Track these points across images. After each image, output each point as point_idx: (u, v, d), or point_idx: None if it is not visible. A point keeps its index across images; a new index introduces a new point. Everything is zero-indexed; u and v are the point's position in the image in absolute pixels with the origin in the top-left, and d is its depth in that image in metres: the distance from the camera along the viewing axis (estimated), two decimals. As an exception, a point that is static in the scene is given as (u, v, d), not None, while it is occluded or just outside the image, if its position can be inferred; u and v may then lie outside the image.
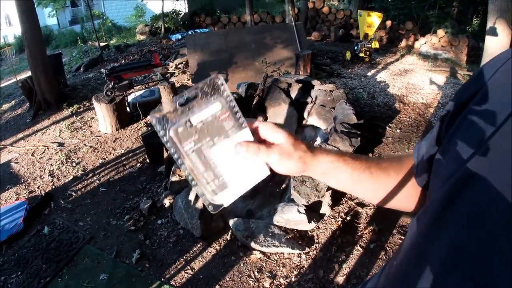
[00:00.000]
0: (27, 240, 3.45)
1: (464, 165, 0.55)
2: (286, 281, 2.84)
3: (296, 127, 5.03)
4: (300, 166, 0.71)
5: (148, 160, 4.60)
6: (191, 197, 3.26)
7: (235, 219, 3.24)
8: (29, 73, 7.01)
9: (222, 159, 0.63)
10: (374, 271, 2.89)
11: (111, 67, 5.82)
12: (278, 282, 2.84)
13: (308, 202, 3.25)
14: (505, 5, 5.73)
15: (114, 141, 5.23)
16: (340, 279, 2.84)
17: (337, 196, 3.57)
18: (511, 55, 0.59)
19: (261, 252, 3.06)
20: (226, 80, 7.05)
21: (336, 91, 4.96)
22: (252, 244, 3.06)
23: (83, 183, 4.32)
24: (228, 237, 3.25)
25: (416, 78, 7.46)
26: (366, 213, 3.44)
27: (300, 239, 3.17)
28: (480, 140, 0.54)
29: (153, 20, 13.90)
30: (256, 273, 2.91)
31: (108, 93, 5.40)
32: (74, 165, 4.68)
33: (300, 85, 5.21)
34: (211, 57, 7.33)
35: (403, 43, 10.86)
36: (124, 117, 5.64)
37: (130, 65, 6.32)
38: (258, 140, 0.69)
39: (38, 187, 4.32)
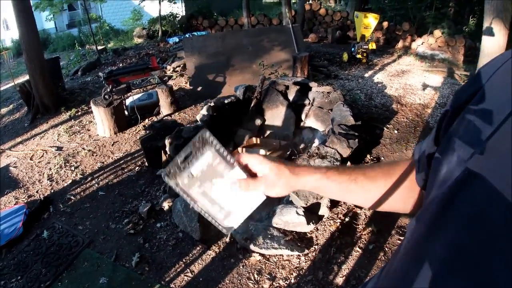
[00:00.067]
0: (27, 245, 3.45)
1: (464, 164, 0.55)
2: (286, 283, 2.85)
3: (294, 129, 5.05)
4: (286, 189, 0.83)
5: (146, 164, 4.60)
6: (190, 200, 3.26)
7: (234, 221, 3.24)
8: (27, 77, 7.02)
9: (223, 194, 0.79)
10: (373, 272, 2.90)
11: (109, 70, 5.84)
12: (277, 284, 2.84)
13: (306, 204, 3.26)
14: (501, 5, 5.75)
15: (112, 145, 5.23)
16: (339, 280, 2.85)
17: (336, 198, 3.57)
18: (510, 57, 0.60)
19: (260, 254, 3.07)
20: (224, 83, 7.07)
21: (334, 92, 4.97)
22: (251, 247, 3.06)
23: (82, 187, 4.32)
24: (227, 239, 3.26)
25: (413, 79, 7.48)
26: (365, 214, 3.45)
27: (299, 241, 3.18)
28: (479, 140, 0.55)
29: (151, 23, 13.93)
30: (256, 275, 2.91)
31: (106, 96, 5.40)
32: (73, 169, 4.68)
33: (298, 87, 5.23)
34: (209, 60, 7.35)
35: (400, 44, 10.88)
36: (122, 120, 5.65)
37: (128, 69, 6.33)
38: (250, 173, 0.82)
39: (37, 191, 4.32)
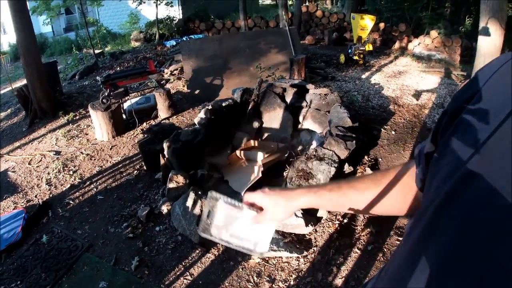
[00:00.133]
0: (26, 249, 3.45)
1: (464, 165, 0.55)
2: (285, 285, 2.86)
3: (291, 131, 5.06)
4: (286, 213, 0.99)
5: (145, 167, 4.61)
6: (189, 203, 3.27)
7: (233, 224, 3.24)
8: (24, 81, 7.01)
9: (245, 230, 1.00)
10: (372, 273, 2.91)
11: (106, 74, 5.84)
12: (277, 286, 2.85)
13: (305, 206, 3.26)
14: (497, 5, 5.78)
15: (110, 149, 5.24)
16: (338, 281, 2.86)
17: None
18: (507, 60, 0.61)
19: (260, 256, 3.08)
20: (222, 86, 7.08)
21: (331, 94, 4.99)
22: (251, 249, 3.07)
23: (80, 191, 4.32)
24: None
25: (410, 80, 7.51)
26: (363, 216, 3.46)
27: (298, 242, 3.19)
28: (478, 141, 0.55)
29: (148, 26, 13.93)
30: (255, 278, 2.92)
31: (104, 100, 5.41)
32: (71, 173, 4.68)
33: (295, 89, 5.24)
34: (206, 63, 7.36)
35: (396, 45, 10.92)
36: (120, 124, 5.65)
37: (125, 73, 6.34)
38: (257, 207, 1.02)
39: (35, 196, 4.32)
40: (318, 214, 3.41)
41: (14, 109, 7.55)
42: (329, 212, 3.45)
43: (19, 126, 6.60)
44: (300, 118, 5.15)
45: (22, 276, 3.14)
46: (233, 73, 7.30)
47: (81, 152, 5.20)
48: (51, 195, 4.30)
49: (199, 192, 3.38)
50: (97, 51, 11.22)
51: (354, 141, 3.83)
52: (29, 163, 5.09)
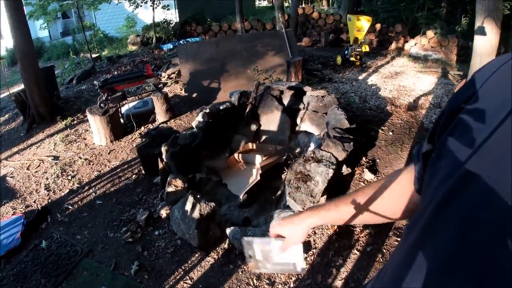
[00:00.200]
0: (25, 255, 3.45)
1: (462, 166, 0.56)
2: (285, 288, 2.87)
3: (289, 133, 5.07)
4: (303, 236, 1.14)
5: (143, 172, 4.61)
6: (188, 207, 3.28)
7: (232, 227, 3.26)
8: (22, 86, 6.99)
9: (281, 257, 1.18)
10: (372, 274, 2.92)
11: (103, 79, 5.84)
12: (276, 289, 2.86)
13: (303, 208, 3.28)
14: (493, 4, 5.78)
15: (109, 153, 5.24)
16: (338, 283, 2.87)
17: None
18: (505, 61, 0.61)
19: (259, 259, 3.08)
20: (219, 89, 7.09)
21: (328, 96, 5.01)
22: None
23: (79, 196, 4.32)
24: (226, 246, 3.27)
25: (407, 80, 7.53)
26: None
27: (297, 245, 3.19)
28: (477, 141, 0.55)
29: (145, 30, 13.94)
30: (255, 281, 2.93)
31: (102, 105, 5.41)
32: (70, 178, 4.68)
33: (292, 91, 5.26)
34: (203, 66, 7.37)
35: (393, 46, 10.96)
36: (118, 128, 5.65)
37: (123, 77, 6.33)
38: (281, 236, 1.18)
39: (34, 201, 4.32)
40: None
41: (11, 114, 7.54)
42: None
43: (17, 131, 6.59)
44: (298, 120, 5.17)
45: (22, 282, 3.14)
46: (230, 76, 7.31)
47: (80, 157, 5.20)
48: (50, 201, 4.29)
49: (198, 196, 3.39)
50: (94, 55, 11.21)
51: (351, 143, 3.84)
52: (28, 169, 5.09)
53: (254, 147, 4.76)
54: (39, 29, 12.69)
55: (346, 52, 8.76)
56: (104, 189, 4.39)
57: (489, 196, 0.51)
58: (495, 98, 0.58)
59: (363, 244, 3.20)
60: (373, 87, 7.01)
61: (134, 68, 9.48)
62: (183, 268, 3.12)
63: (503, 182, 0.50)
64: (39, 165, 5.14)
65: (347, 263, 3.04)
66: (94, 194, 4.33)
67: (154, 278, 3.05)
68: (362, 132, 4.83)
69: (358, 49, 8.55)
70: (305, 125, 5.06)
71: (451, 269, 0.54)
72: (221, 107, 4.96)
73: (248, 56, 7.58)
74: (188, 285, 2.97)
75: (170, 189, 3.73)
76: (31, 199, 4.38)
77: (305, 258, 3.09)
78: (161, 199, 3.94)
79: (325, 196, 3.40)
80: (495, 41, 5.93)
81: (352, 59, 8.59)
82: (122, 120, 5.92)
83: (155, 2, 12.78)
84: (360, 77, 7.86)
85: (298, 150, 4.75)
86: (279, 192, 4.01)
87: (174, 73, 8.30)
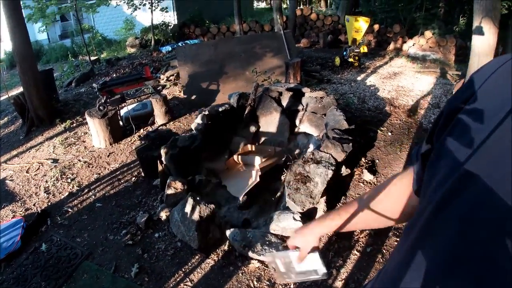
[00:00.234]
0: (25, 258, 3.44)
1: (461, 166, 0.56)
2: (285, 289, 2.87)
3: (288, 135, 5.08)
4: (314, 243, 1.20)
5: (143, 174, 4.61)
6: (187, 209, 3.28)
7: (232, 229, 3.26)
8: (20, 89, 7.00)
9: (301, 267, 1.23)
10: (372, 274, 2.92)
11: (102, 81, 5.84)
12: (276, 290, 2.86)
13: (303, 210, 3.28)
14: (490, 4, 5.79)
15: (108, 156, 5.24)
16: (338, 284, 2.87)
17: (332, 202, 3.61)
18: (507, 60, 0.61)
19: (259, 261, 3.08)
20: (218, 91, 7.09)
21: (327, 97, 5.01)
22: (250, 254, 3.08)
23: (79, 199, 4.32)
24: (226, 247, 3.27)
25: (406, 81, 7.54)
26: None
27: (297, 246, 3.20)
28: (476, 141, 0.55)
29: (143, 32, 13.94)
30: (255, 282, 2.93)
31: (101, 107, 5.41)
32: (69, 181, 4.68)
33: (291, 93, 5.27)
34: (202, 68, 7.38)
35: (391, 46, 10.98)
36: (117, 131, 5.65)
37: (122, 79, 6.34)
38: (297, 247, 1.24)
39: (34, 204, 4.32)
40: (317, 217, 3.42)
41: (11, 117, 7.54)
42: (327, 215, 3.46)
43: (16, 134, 6.59)
44: (297, 122, 5.17)
45: (22, 285, 3.13)
46: (229, 78, 7.32)
47: (79, 160, 5.20)
48: (49, 203, 4.29)
49: (198, 198, 3.39)
50: (93, 58, 11.22)
51: (350, 144, 3.85)
52: (27, 172, 5.09)
53: (253, 149, 4.77)
54: (38, 32, 12.72)
55: (344, 53, 8.78)
56: (103, 192, 4.39)
57: (489, 196, 0.51)
58: (494, 98, 0.58)
59: (363, 245, 3.20)
60: (371, 88, 7.02)
61: (133, 71, 9.49)
62: (183, 270, 3.12)
63: (503, 182, 0.50)
64: (38, 168, 5.14)
65: (347, 263, 3.04)
66: (93, 196, 4.33)
67: (155, 280, 3.05)
68: (361, 133, 4.84)
69: (356, 50, 8.57)
70: (304, 126, 5.06)
71: (451, 269, 0.54)
72: (220, 109, 4.97)
73: (247, 58, 7.59)
74: (189, 287, 2.97)
75: (169, 191, 3.73)
76: (31, 202, 4.38)
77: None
78: (161, 201, 3.94)
79: (324, 197, 3.41)
80: (493, 40, 5.94)
81: (351, 60, 8.61)
82: (121, 123, 5.93)
83: (153, 5, 12.80)
84: (359, 78, 7.88)
85: (297, 151, 4.76)
86: (278, 194, 4.01)
87: (173, 75, 8.31)
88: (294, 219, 3.20)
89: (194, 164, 4.39)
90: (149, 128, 5.94)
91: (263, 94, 5.25)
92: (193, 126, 4.70)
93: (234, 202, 3.98)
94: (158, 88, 6.82)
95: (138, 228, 3.64)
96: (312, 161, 3.60)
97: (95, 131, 5.44)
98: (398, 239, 3.20)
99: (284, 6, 17.29)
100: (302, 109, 5.16)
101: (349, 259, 3.08)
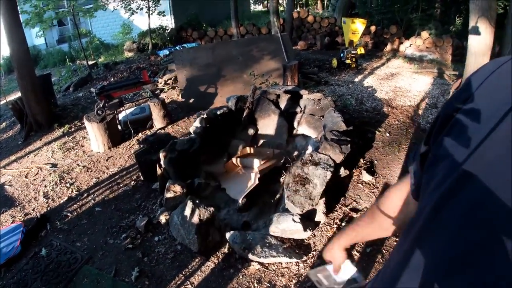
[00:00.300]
0: (25, 263, 3.44)
1: (459, 166, 0.56)
2: (285, 291, 2.87)
3: (286, 137, 5.08)
4: (341, 255, 1.28)
5: (142, 178, 4.61)
6: (187, 212, 3.28)
7: (232, 232, 3.26)
8: (18, 94, 7.01)
9: (339, 277, 1.31)
10: (372, 274, 2.93)
11: (100, 86, 5.85)
12: (277, 292, 2.87)
13: (302, 211, 3.29)
14: (486, 4, 5.81)
15: (107, 160, 5.24)
16: (338, 285, 2.87)
17: (331, 203, 3.62)
18: (507, 60, 0.62)
19: (259, 263, 3.09)
20: (216, 94, 7.11)
21: (324, 99, 5.03)
22: (250, 256, 3.08)
23: (78, 203, 4.32)
24: (226, 250, 3.28)
25: (403, 81, 7.57)
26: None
27: (297, 247, 3.21)
28: (474, 143, 0.56)
29: (140, 36, 13.95)
30: (256, 284, 2.93)
31: (99, 112, 5.42)
32: (68, 186, 4.68)
33: (289, 95, 5.28)
34: (200, 72, 7.39)
35: (388, 47, 11.02)
36: (116, 135, 5.66)
37: (120, 83, 6.35)
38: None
39: (33, 209, 4.31)
40: (316, 219, 3.43)
41: (9, 122, 7.54)
42: (327, 216, 3.48)
43: (14, 139, 6.59)
44: (295, 124, 5.18)
45: (22, 290, 3.14)
46: (227, 81, 7.33)
47: (78, 164, 5.20)
48: (48, 208, 4.29)
49: (197, 201, 3.39)
50: (90, 62, 11.23)
51: (349, 145, 3.85)
52: (26, 177, 5.09)
53: (252, 151, 4.78)
54: (35, 37, 12.71)
55: (341, 54, 8.81)
56: (103, 196, 4.39)
57: (487, 196, 0.52)
58: (492, 99, 0.58)
59: (362, 245, 3.21)
60: (369, 89, 7.04)
61: (130, 75, 9.50)
62: (183, 273, 3.12)
63: (501, 182, 0.50)
64: (37, 173, 5.14)
65: (347, 264, 3.04)
66: (93, 201, 4.33)
67: (155, 284, 3.05)
68: (359, 134, 4.85)
69: (353, 52, 8.61)
70: (302, 128, 5.07)
71: (449, 269, 0.54)
72: (218, 112, 4.97)
73: (244, 60, 7.60)
74: (189, 290, 2.97)
75: (169, 194, 3.73)
76: (30, 207, 4.37)
77: (305, 260, 3.10)
78: (160, 205, 3.94)
79: (323, 199, 3.42)
80: (490, 40, 5.96)
81: (348, 61, 8.64)
82: (119, 127, 5.93)
83: (150, 9, 12.82)
84: (356, 79, 7.90)
85: (295, 153, 4.76)
86: (277, 196, 4.02)
87: (170, 79, 8.32)
88: (294, 220, 3.21)
89: (193, 167, 4.40)
90: (148, 132, 5.95)
91: (261, 97, 5.27)
92: (191, 129, 4.71)
93: (233, 204, 3.99)
94: (156, 92, 6.82)
95: (138, 231, 3.64)
96: (310, 162, 3.61)
97: (93, 136, 5.44)
98: (397, 240, 3.20)
99: (281, 8, 17.32)
100: (300, 111, 5.17)
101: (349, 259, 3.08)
